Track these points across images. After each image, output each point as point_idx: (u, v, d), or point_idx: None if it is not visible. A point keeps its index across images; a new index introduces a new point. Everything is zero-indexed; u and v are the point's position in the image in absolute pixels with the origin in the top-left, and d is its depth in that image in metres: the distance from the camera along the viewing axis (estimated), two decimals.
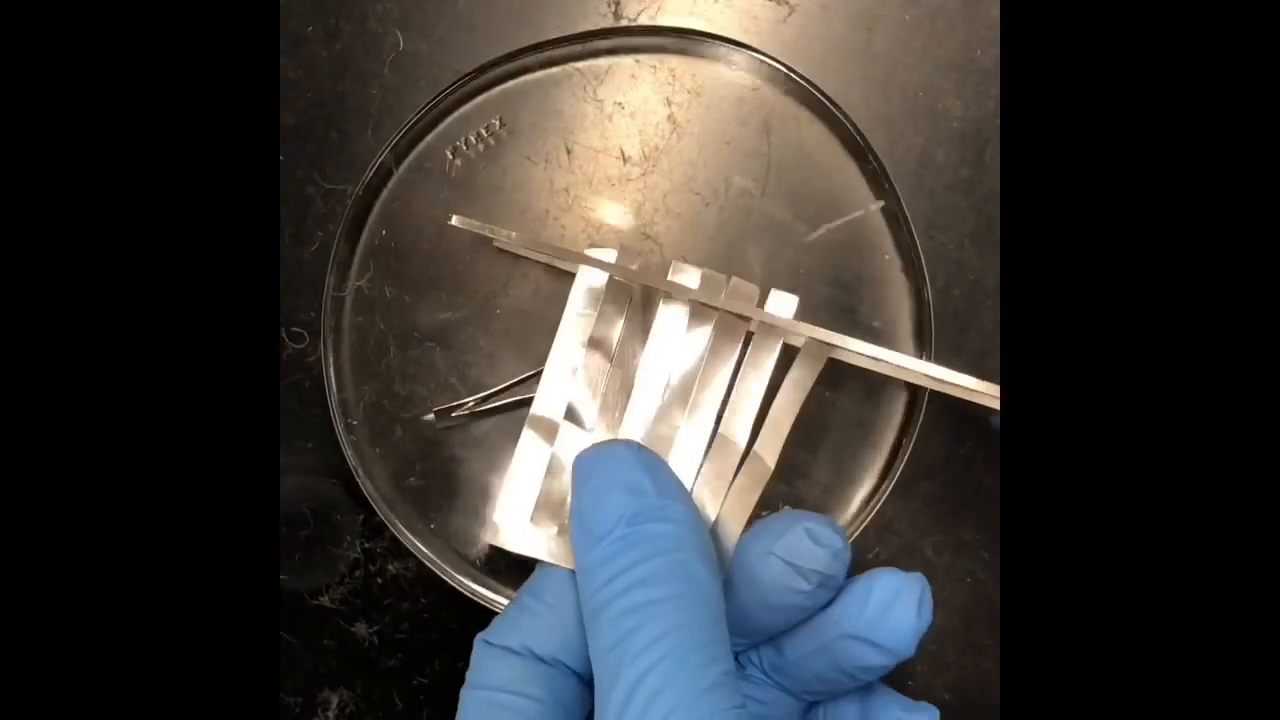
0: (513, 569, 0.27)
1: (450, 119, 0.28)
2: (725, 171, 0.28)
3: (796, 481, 0.28)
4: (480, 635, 0.23)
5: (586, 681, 0.23)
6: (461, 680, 0.23)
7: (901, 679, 0.29)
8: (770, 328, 0.26)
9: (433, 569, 0.27)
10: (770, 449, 0.25)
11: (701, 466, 0.25)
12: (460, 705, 0.22)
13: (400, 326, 0.28)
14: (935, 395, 0.27)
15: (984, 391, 0.25)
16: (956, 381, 0.25)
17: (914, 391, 0.28)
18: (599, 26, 0.28)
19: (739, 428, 0.25)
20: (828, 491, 0.28)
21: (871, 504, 0.27)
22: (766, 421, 0.25)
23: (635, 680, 0.19)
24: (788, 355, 0.26)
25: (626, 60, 0.28)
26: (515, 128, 0.28)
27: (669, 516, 0.21)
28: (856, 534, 0.27)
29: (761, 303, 0.26)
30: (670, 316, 0.26)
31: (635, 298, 0.26)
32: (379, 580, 0.28)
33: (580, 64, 0.28)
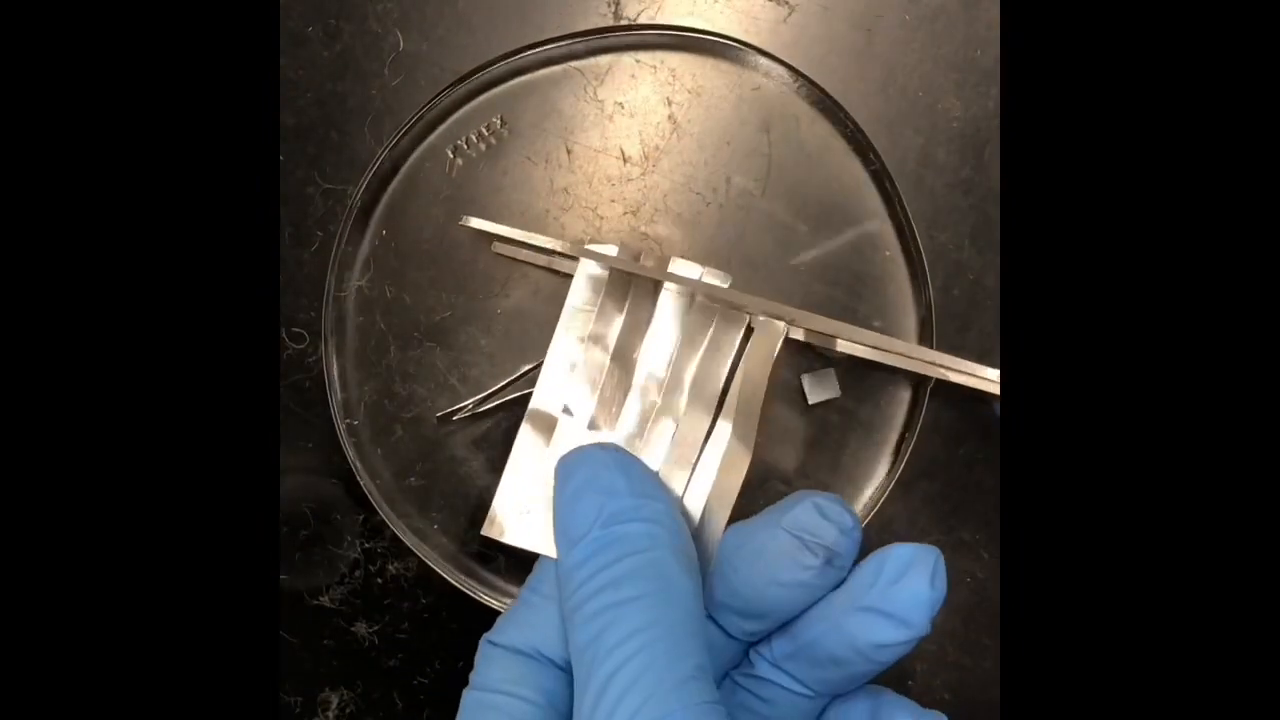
0: (513, 568, 0.27)
1: (450, 119, 0.28)
2: (725, 171, 0.28)
3: (797, 481, 0.28)
4: (484, 635, 0.23)
5: None
6: (462, 680, 0.23)
7: (901, 679, 0.29)
8: (730, 311, 0.26)
9: (433, 569, 0.27)
10: (744, 432, 0.25)
11: (698, 460, 0.25)
12: (460, 705, 0.23)
13: (400, 326, 0.28)
14: (935, 395, 0.27)
15: (974, 374, 0.25)
16: (932, 359, 0.25)
17: (915, 391, 0.28)
18: (599, 26, 0.28)
19: (702, 412, 0.25)
20: (828, 491, 0.28)
21: (871, 504, 0.27)
22: (737, 406, 0.25)
23: (607, 677, 0.19)
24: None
25: (626, 60, 0.28)
26: (515, 127, 0.28)
27: (643, 516, 0.21)
28: None
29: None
30: (668, 309, 0.26)
31: (633, 293, 0.26)
32: (379, 580, 0.28)
33: (580, 63, 0.28)
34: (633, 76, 0.28)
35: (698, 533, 0.24)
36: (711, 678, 0.20)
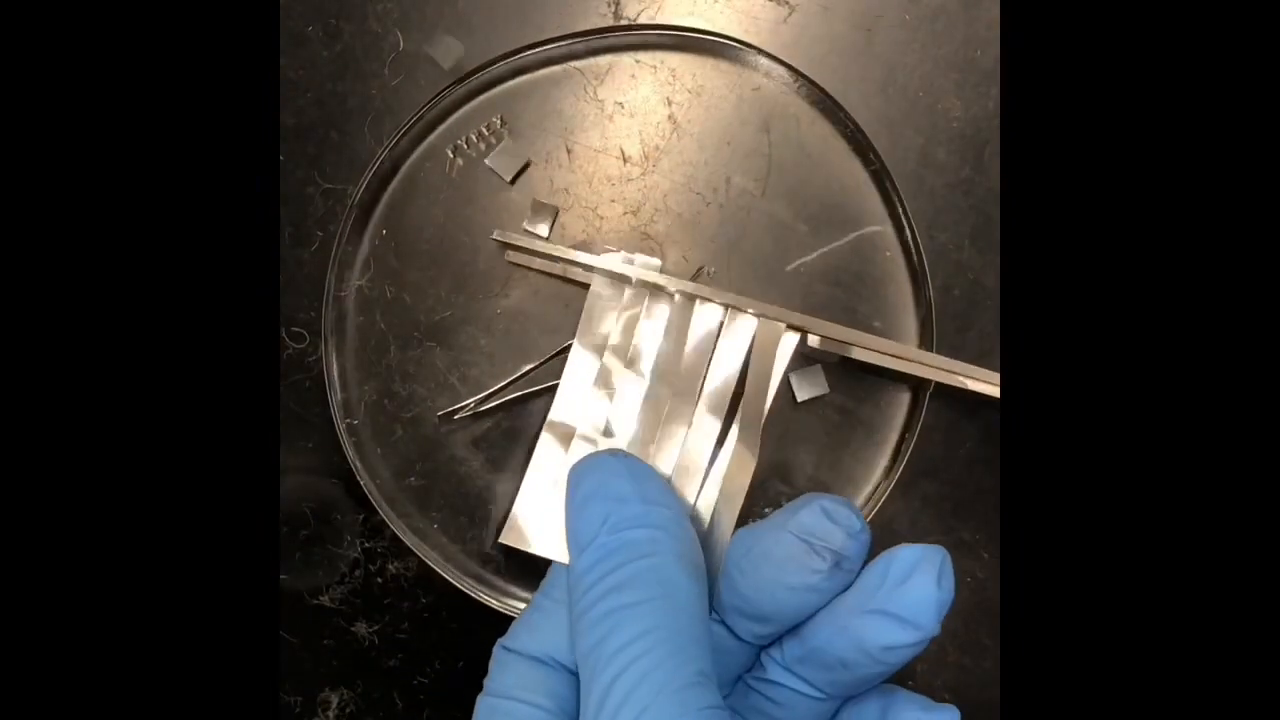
0: (514, 568, 0.27)
1: (450, 119, 0.28)
2: (725, 171, 0.28)
3: (797, 481, 0.28)
4: (498, 640, 0.24)
5: None
6: (462, 680, 0.23)
7: (902, 679, 0.29)
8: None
9: (433, 568, 0.27)
10: (750, 436, 0.25)
11: (710, 466, 0.25)
12: (475, 710, 0.23)
13: (400, 326, 0.28)
14: (936, 395, 0.27)
15: (973, 376, 0.25)
16: (933, 363, 0.25)
17: (915, 392, 0.28)
18: (599, 26, 0.28)
19: (712, 417, 0.26)
20: (828, 491, 0.28)
21: (871, 504, 0.27)
22: (743, 410, 0.25)
23: (610, 682, 0.19)
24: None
25: (626, 60, 0.28)
26: (515, 127, 0.28)
27: (648, 523, 0.21)
28: None
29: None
30: (685, 319, 0.26)
31: (649, 303, 0.27)
32: (379, 580, 0.28)
33: (580, 63, 0.28)
34: (633, 76, 0.28)
35: (706, 537, 0.24)
36: (715, 683, 0.20)
